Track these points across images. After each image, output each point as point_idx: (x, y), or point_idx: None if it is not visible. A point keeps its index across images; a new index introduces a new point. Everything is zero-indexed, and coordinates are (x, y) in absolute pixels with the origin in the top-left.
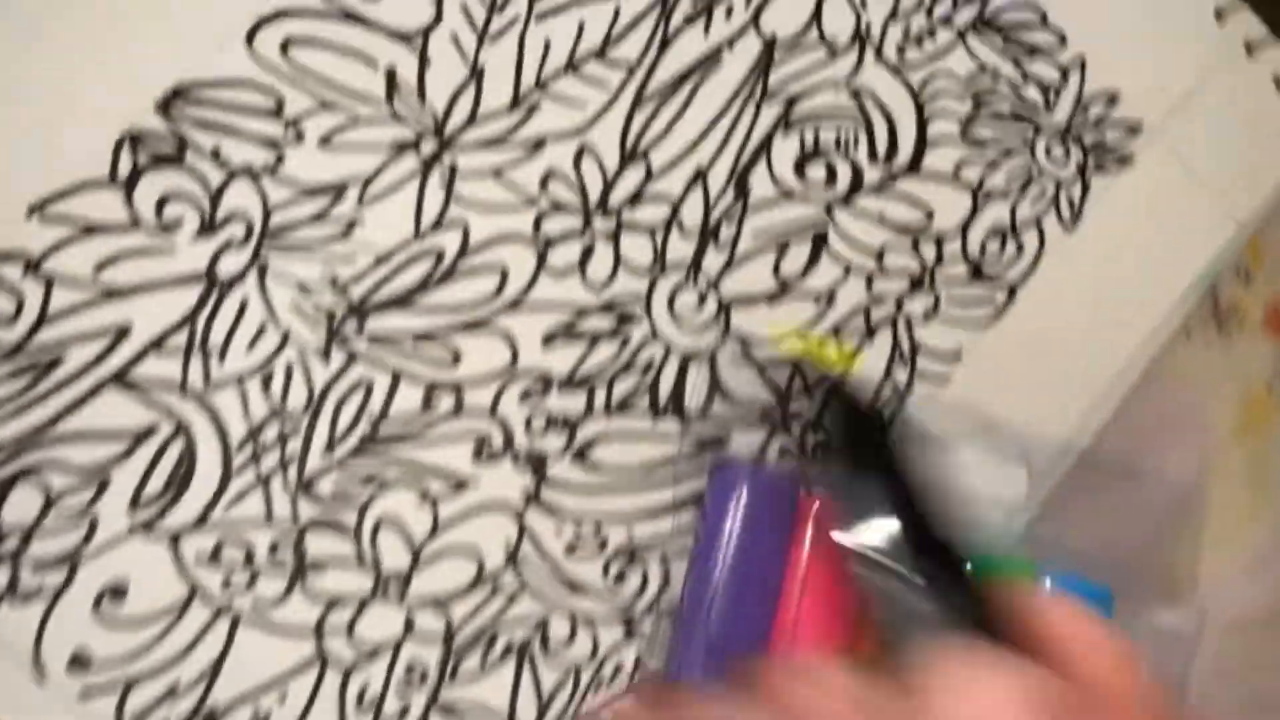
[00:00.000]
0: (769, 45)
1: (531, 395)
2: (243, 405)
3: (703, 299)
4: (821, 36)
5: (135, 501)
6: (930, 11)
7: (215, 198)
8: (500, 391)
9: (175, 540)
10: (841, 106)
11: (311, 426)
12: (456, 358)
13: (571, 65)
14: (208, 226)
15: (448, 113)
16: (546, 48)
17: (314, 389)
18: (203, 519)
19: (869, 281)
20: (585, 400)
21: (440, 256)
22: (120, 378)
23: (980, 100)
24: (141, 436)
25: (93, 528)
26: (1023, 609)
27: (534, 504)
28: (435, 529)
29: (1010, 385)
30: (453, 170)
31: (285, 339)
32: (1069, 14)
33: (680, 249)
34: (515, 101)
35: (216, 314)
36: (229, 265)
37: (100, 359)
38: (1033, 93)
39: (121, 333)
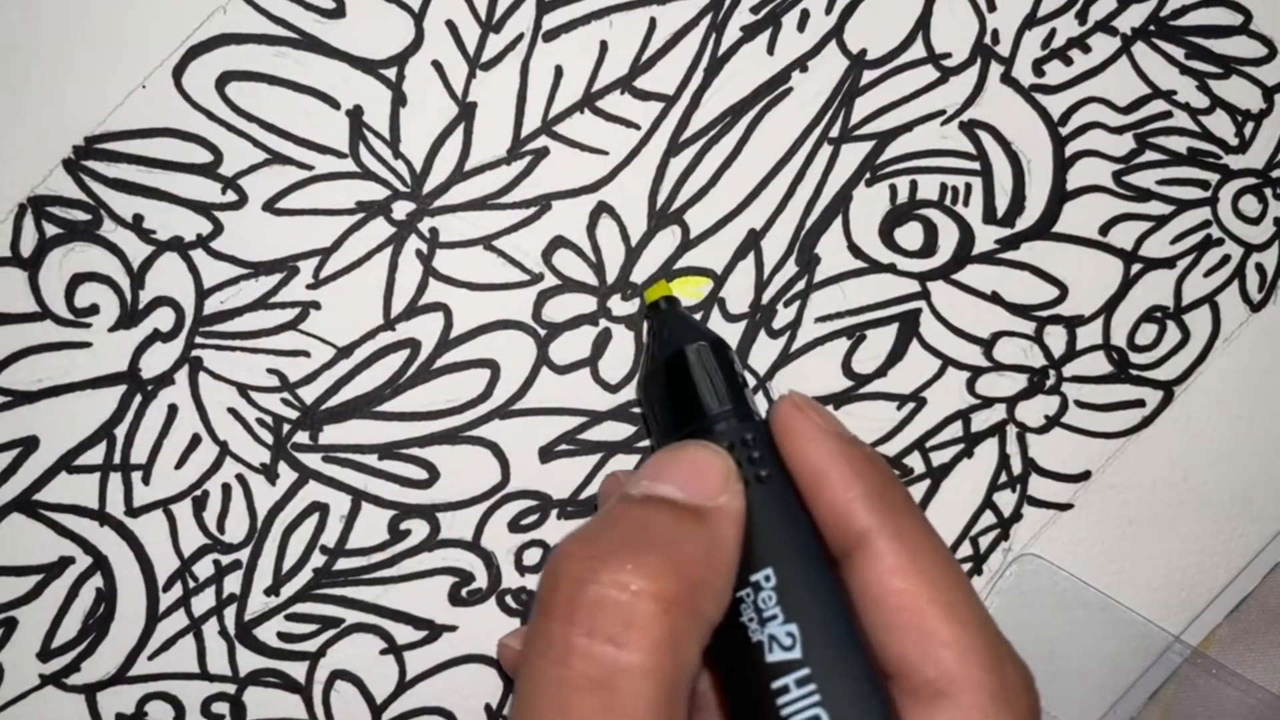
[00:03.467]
0: (855, 64)
1: (524, 522)
2: (171, 535)
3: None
4: (929, 50)
5: (46, 650)
6: (1084, 13)
7: (138, 278)
8: (485, 517)
9: (92, 696)
10: (950, 146)
11: (254, 560)
12: (432, 476)
13: (589, 99)
14: (129, 314)
15: (428, 164)
16: (557, 76)
17: (257, 515)
18: (124, 670)
19: (972, 379)
20: None
21: (415, 349)
22: (25, 502)
23: (1146, 135)
24: (52, 572)
25: None
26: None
27: None
28: (402, 686)
29: (1153, 517)
30: (433, 238)
31: (223, 453)
32: None
33: (723, 336)
34: (515, 148)
35: (140, 423)
36: (154, 362)
37: (1, 479)
38: (1222, 124)
39: (27, 447)
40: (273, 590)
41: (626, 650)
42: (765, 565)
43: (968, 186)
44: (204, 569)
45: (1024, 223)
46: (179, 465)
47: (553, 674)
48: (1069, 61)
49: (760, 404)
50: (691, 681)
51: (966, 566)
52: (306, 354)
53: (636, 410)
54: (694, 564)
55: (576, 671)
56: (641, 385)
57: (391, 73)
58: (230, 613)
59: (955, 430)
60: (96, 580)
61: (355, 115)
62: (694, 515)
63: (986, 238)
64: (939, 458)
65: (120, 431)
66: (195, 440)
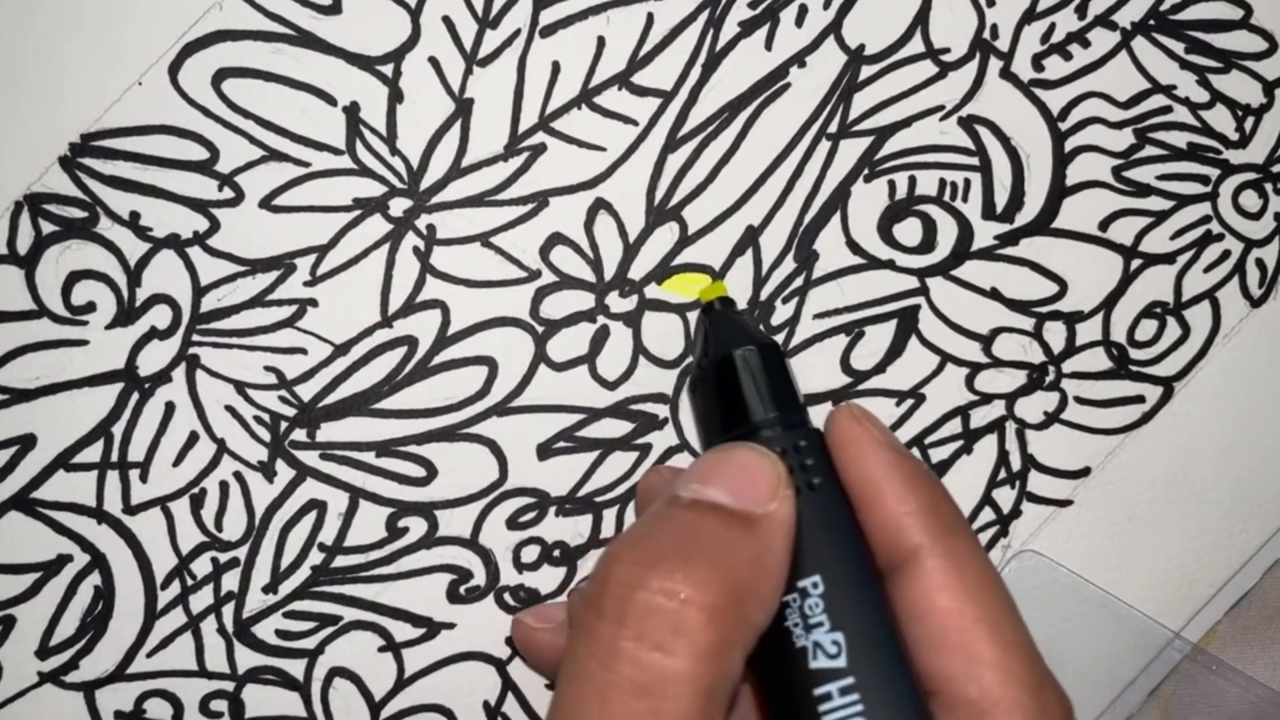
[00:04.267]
0: (854, 59)
1: (522, 519)
2: (169, 532)
3: None
4: (928, 46)
5: (44, 647)
6: (1084, 7)
7: (134, 275)
8: (483, 515)
9: (91, 694)
10: (949, 141)
11: (251, 558)
12: (430, 473)
13: (586, 95)
14: (126, 312)
15: (425, 161)
16: (554, 72)
17: (255, 512)
18: (122, 668)
19: (971, 376)
20: (590, 526)
21: (413, 346)
22: (23, 500)
23: (1146, 130)
24: (50, 570)
25: None
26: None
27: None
28: (400, 683)
29: (1153, 513)
30: (430, 235)
31: (220, 451)
32: None
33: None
34: (512, 144)
35: (137, 420)
36: (152, 360)
37: None
38: (1222, 118)
39: (24, 445)
40: (271, 588)
41: (673, 658)
42: (814, 572)
43: (967, 182)
44: (202, 567)
45: (1023, 218)
46: (176, 463)
47: (599, 674)
48: (1068, 56)
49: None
50: (735, 686)
51: None
52: (304, 351)
53: (634, 407)
54: (742, 572)
55: (622, 675)
56: (692, 386)
57: (388, 69)
58: (228, 610)
59: (954, 427)
60: (94, 578)
61: (352, 112)
62: (744, 522)
63: (985, 233)
64: (938, 454)
65: (118, 429)
66: (193, 438)
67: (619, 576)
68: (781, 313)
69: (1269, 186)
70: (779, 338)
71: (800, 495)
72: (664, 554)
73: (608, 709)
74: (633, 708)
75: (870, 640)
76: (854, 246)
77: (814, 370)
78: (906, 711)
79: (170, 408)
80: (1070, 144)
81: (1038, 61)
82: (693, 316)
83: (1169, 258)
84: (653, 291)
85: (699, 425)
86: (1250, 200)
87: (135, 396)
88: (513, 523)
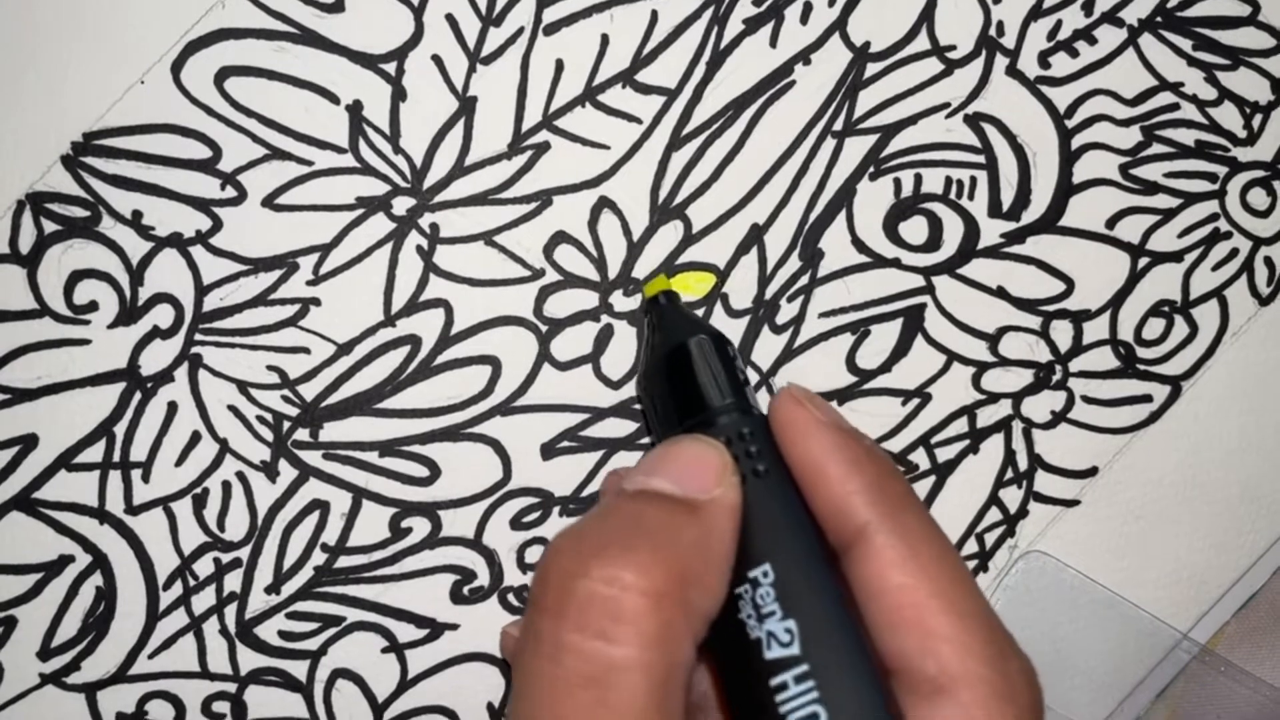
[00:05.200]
0: (859, 56)
1: (526, 520)
2: (171, 533)
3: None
4: (934, 43)
5: (46, 649)
6: (1090, 4)
7: (137, 275)
8: (487, 515)
9: (92, 695)
10: (955, 139)
11: (254, 558)
12: (433, 473)
13: (590, 93)
14: (128, 311)
15: (428, 159)
16: (558, 70)
17: (257, 512)
18: (124, 669)
19: (978, 375)
20: None
21: (416, 345)
22: (25, 500)
23: (1153, 127)
24: (52, 570)
25: None
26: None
27: None
28: (403, 684)
29: (1160, 513)
30: (433, 234)
31: (223, 451)
32: None
33: (726, 332)
34: (515, 143)
35: (139, 420)
36: (154, 359)
37: (1, 477)
38: (1230, 116)
39: (26, 445)
40: (273, 588)
41: (617, 645)
42: (763, 561)
43: (973, 180)
44: (204, 567)
45: (1030, 216)
46: (179, 463)
47: (545, 671)
48: (1075, 53)
49: (764, 400)
50: (687, 675)
51: (972, 564)
52: (307, 351)
53: (639, 407)
54: (686, 557)
55: (568, 668)
56: (640, 381)
57: (391, 67)
58: (231, 611)
59: (961, 426)
60: (96, 579)
61: (355, 110)
62: (688, 509)
63: (992, 232)
64: (944, 454)
65: (120, 429)
66: (195, 438)
67: (560, 567)
68: (787, 311)
69: (1277, 184)
70: (784, 337)
71: (746, 483)
72: (606, 543)
73: (557, 704)
74: (581, 699)
75: (823, 625)
76: (859, 245)
77: (819, 369)
78: (866, 694)
79: (173, 407)
80: (1077, 141)
81: (1044, 59)
82: (698, 315)
83: (1177, 256)
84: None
85: (650, 419)
86: (1258, 198)
87: (137, 396)
88: (516, 523)
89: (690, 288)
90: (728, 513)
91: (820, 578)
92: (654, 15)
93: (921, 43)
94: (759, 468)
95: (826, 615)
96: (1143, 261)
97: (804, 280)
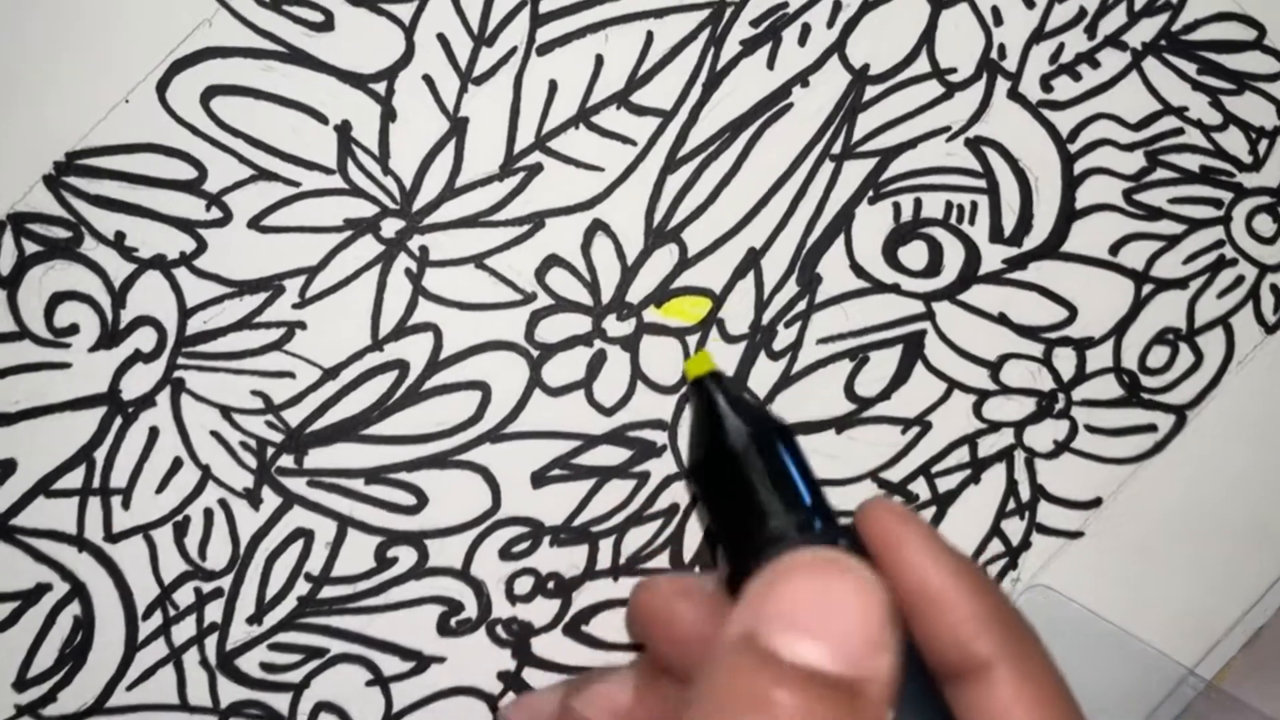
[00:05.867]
0: (858, 79)
1: (515, 550)
2: (151, 561)
3: None
4: (934, 65)
5: (21, 679)
6: (1093, 27)
7: (119, 297)
8: (475, 545)
9: None
10: (956, 163)
11: (236, 588)
12: (421, 501)
13: (584, 114)
14: (109, 334)
15: (418, 181)
16: (551, 91)
17: (239, 541)
18: (102, 701)
19: (979, 403)
20: (586, 556)
21: (404, 370)
22: (2, 527)
23: (1157, 152)
24: (29, 599)
25: None
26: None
27: (516, 688)
28: (388, 718)
29: (1166, 546)
30: (423, 257)
31: (205, 478)
32: None
33: (721, 359)
34: (507, 164)
35: (120, 446)
36: (135, 383)
37: None
38: (1235, 141)
39: (4, 470)
40: (255, 619)
41: None
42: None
43: (973, 205)
44: (185, 597)
45: (1032, 242)
46: (160, 490)
47: None
48: (1078, 77)
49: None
50: None
51: None
52: (292, 375)
53: (632, 434)
54: None
55: None
56: (692, 470)
57: (381, 87)
58: (211, 642)
59: (961, 455)
60: (74, 608)
61: (343, 130)
62: (848, 693)
63: (993, 257)
64: (945, 484)
65: (100, 454)
66: (177, 464)
67: None
68: (784, 337)
69: None
70: (781, 363)
71: None
72: None
73: None
74: None
75: None
76: (858, 270)
77: (817, 396)
78: None
79: (154, 433)
80: (1080, 166)
81: (1046, 82)
82: (693, 340)
83: (1181, 283)
84: (651, 315)
85: (713, 520)
86: (1264, 224)
87: (118, 421)
88: (506, 553)
89: (685, 313)
90: (892, 688)
91: None
92: (649, 36)
93: (922, 65)
94: None
95: None
96: (1147, 288)
97: (802, 306)
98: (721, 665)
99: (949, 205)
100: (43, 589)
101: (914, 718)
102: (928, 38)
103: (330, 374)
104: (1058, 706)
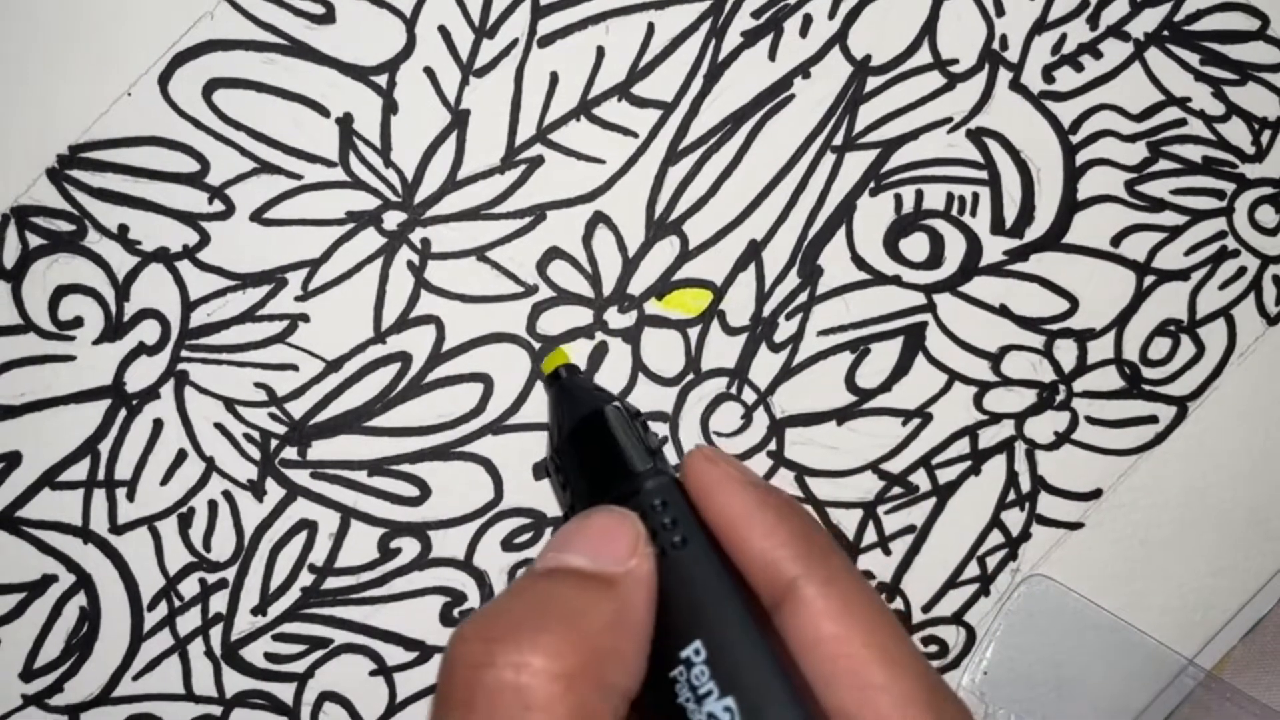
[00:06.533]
0: (859, 70)
1: (517, 540)
2: (156, 552)
3: (749, 416)
4: (935, 56)
5: (28, 670)
6: (1096, 17)
7: (122, 290)
8: (478, 536)
9: (75, 717)
10: (957, 154)
11: (240, 579)
12: (423, 492)
13: (585, 106)
14: (113, 327)
15: (420, 173)
16: (552, 83)
17: (244, 532)
18: (107, 691)
19: (980, 394)
20: None
21: (406, 363)
22: (7, 519)
23: (1159, 143)
24: (35, 590)
25: None
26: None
27: None
28: (392, 708)
29: (1166, 536)
30: (425, 249)
31: (209, 469)
32: None
33: (722, 350)
34: (509, 156)
35: (124, 438)
36: (139, 376)
37: None
38: (1238, 132)
39: (9, 463)
40: (260, 609)
41: None
42: (694, 637)
43: (975, 196)
44: (189, 588)
45: (1033, 233)
46: (164, 481)
47: None
48: (1080, 67)
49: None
50: None
51: (973, 587)
52: (295, 368)
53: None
54: (599, 634)
55: None
56: (550, 458)
57: (382, 79)
58: (216, 632)
59: (962, 447)
60: (80, 599)
61: (345, 123)
62: (600, 583)
63: (994, 249)
64: (945, 475)
65: (104, 447)
66: (181, 456)
67: (464, 658)
68: (785, 329)
69: None
70: (782, 355)
71: (667, 556)
72: (514, 626)
73: None
74: None
75: (761, 698)
76: (859, 262)
77: (818, 388)
78: None
79: (158, 425)
80: (1081, 157)
81: (1048, 73)
82: (694, 333)
83: (1183, 274)
84: (652, 307)
85: (561, 500)
86: (1267, 215)
87: (123, 413)
88: (508, 544)
89: (686, 305)
90: (643, 584)
91: (754, 647)
92: (650, 27)
93: (923, 56)
94: (676, 539)
95: (765, 687)
96: (1148, 280)
97: (803, 297)
98: (522, 581)
99: (950, 197)
100: (49, 580)
101: (734, 667)
102: (929, 29)
103: (333, 366)
104: (865, 613)
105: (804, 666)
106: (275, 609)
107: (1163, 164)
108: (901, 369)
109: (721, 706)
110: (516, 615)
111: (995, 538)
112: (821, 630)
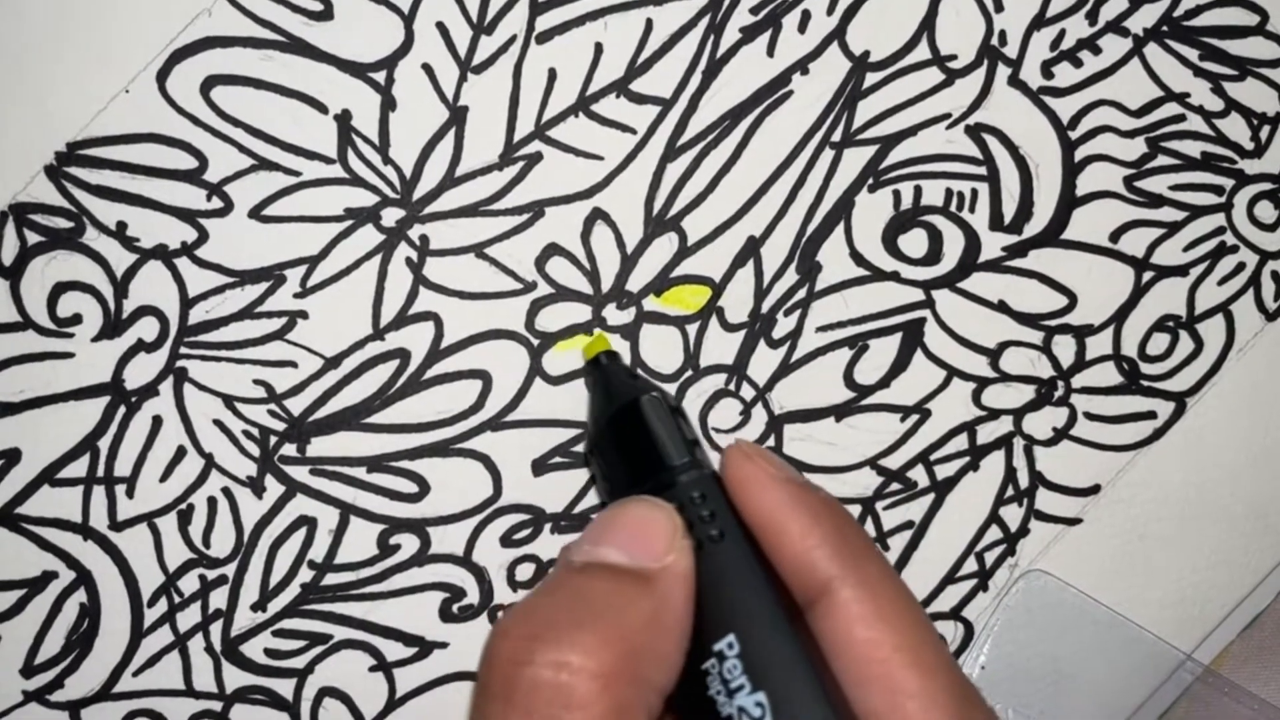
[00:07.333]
0: (858, 66)
1: (517, 536)
2: (156, 549)
3: (747, 412)
4: (934, 52)
5: (29, 666)
6: (1095, 13)
7: (121, 287)
8: (477, 532)
9: (76, 713)
10: (956, 150)
11: (240, 575)
12: (423, 489)
13: (583, 102)
14: (112, 324)
15: (418, 170)
16: (551, 79)
17: (243, 528)
18: (108, 688)
19: (978, 390)
20: None
21: (405, 359)
22: (7, 515)
23: (1158, 139)
24: (35, 587)
25: None
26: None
27: None
28: (391, 704)
29: (1164, 532)
30: (423, 246)
31: (208, 466)
32: None
33: (721, 346)
34: (507, 153)
35: (124, 435)
36: (138, 373)
37: None
38: (1237, 127)
39: (8, 459)
40: (259, 606)
41: None
42: (727, 631)
43: (974, 192)
44: (189, 584)
45: (1032, 229)
46: (164, 478)
47: None
48: (1079, 63)
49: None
50: None
51: (972, 583)
52: (294, 364)
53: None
54: (637, 632)
55: None
56: (588, 445)
57: (381, 76)
58: (216, 629)
59: (961, 443)
60: (80, 595)
61: (344, 120)
62: (637, 579)
63: (993, 245)
64: (944, 471)
65: (104, 444)
66: (180, 453)
67: (504, 654)
68: (783, 325)
69: None
70: (780, 351)
71: (704, 549)
72: (553, 623)
73: None
74: None
75: (793, 695)
76: (858, 258)
77: (817, 384)
78: None
79: (157, 422)
80: (1080, 153)
81: (1047, 68)
82: (693, 329)
83: (1182, 270)
84: (651, 304)
85: (600, 485)
86: (1266, 211)
87: (122, 410)
88: (507, 540)
89: (685, 302)
90: (681, 580)
91: (787, 645)
92: (649, 23)
93: (922, 52)
94: (714, 532)
95: (796, 685)
96: (1147, 275)
97: (801, 294)
98: (560, 575)
99: (949, 193)
100: (49, 577)
101: (767, 663)
102: (928, 24)
103: (332, 363)
104: (898, 617)
105: (835, 667)
106: (275, 605)
107: (1162, 159)
108: (900, 365)
109: (753, 701)
110: (555, 611)
111: (993, 533)
112: (855, 633)
